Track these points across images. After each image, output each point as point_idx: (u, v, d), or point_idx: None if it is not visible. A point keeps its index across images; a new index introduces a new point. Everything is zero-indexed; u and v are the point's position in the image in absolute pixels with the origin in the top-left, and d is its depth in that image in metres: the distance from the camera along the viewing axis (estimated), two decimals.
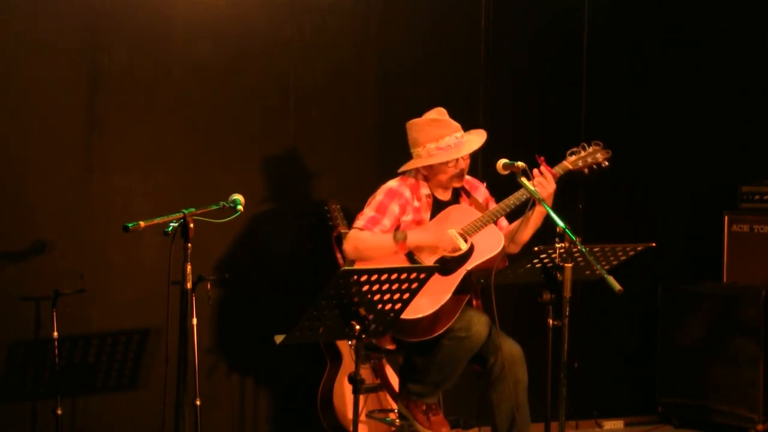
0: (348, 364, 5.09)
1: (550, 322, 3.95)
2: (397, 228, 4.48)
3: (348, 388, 4.97)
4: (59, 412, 4.69)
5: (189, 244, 3.79)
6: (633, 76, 6.19)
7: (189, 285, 3.79)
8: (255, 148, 5.33)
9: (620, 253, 4.18)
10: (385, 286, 3.68)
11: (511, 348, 4.40)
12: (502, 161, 4.22)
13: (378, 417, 4.95)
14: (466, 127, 4.57)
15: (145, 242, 4.95)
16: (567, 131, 5.95)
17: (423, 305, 4.25)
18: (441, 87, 5.62)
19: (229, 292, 5.23)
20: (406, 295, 3.76)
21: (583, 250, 3.88)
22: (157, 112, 5.12)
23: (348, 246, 4.46)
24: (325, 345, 5.15)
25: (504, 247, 4.36)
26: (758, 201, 6.04)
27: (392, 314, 3.80)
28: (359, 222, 4.48)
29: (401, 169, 4.57)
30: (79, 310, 4.87)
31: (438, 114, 4.52)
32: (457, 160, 4.46)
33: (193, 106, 5.19)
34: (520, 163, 4.18)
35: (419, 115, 4.57)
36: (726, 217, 6.07)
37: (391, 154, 4.82)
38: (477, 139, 4.51)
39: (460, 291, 4.38)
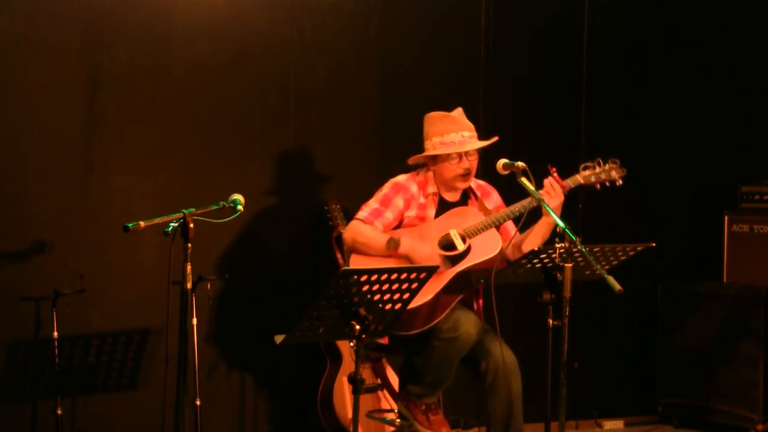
0: (348, 364, 5.09)
1: (550, 322, 3.94)
2: (399, 225, 4.50)
3: (348, 388, 4.98)
4: (59, 412, 4.68)
5: (189, 244, 3.79)
6: (633, 76, 6.19)
7: (189, 285, 3.79)
8: (255, 148, 5.33)
9: (620, 253, 4.18)
10: (385, 286, 3.68)
11: (506, 357, 4.37)
12: (502, 161, 4.21)
13: (378, 417, 4.96)
14: None
15: (145, 242, 4.95)
16: (567, 131, 5.96)
17: None
18: (441, 87, 5.62)
19: (229, 292, 5.23)
20: (406, 295, 3.77)
21: (583, 250, 3.88)
22: (157, 112, 5.12)
23: (347, 234, 4.50)
24: (325, 345, 5.15)
25: (501, 251, 4.36)
26: (758, 201, 6.04)
27: (392, 314, 3.80)
28: (362, 213, 4.50)
29: (409, 160, 4.58)
30: (79, 310, 4.87)
31: (455, 112, 4.54)
32: (460, 159, 4.46)
33: (193, 106, 5.19)
34: (520, 163, 4.17)
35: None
36: (726, 217, 6.07)
37: (391, 154, 4.83)
38: (484, 141, 4.51)
39: (450, 291, 4.36)
